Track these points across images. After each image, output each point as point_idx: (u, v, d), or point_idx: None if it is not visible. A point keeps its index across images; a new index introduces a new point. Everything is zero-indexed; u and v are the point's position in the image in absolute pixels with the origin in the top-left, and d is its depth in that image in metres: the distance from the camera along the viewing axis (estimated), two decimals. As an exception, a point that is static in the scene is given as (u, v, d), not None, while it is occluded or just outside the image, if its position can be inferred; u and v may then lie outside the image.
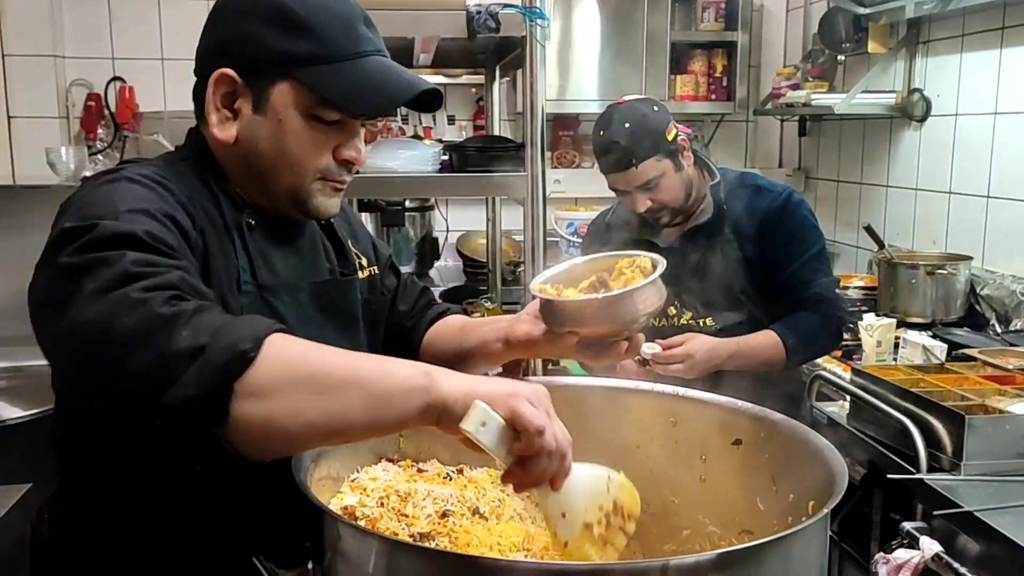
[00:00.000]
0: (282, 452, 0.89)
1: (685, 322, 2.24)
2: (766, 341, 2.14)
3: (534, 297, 1.20)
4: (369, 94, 1.06)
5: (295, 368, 0.83)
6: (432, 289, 1.52)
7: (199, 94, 1.12)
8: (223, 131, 1.09)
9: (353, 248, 1.31)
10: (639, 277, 1.15)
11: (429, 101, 1.12)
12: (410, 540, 0.99)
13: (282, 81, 1.06)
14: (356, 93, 1.06)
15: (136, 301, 0.82)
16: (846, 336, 2.75)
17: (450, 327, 1.37)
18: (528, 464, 0.85)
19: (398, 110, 3.77)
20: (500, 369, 1.33)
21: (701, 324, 2.23)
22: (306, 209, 1.14)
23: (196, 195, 1.08)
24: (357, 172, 1.17)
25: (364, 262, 1.33)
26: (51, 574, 1.20)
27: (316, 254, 1.24)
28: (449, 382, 0.85)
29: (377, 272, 1.36)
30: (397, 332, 1.38)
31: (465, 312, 1.88)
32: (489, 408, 0.83)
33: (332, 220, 1.29)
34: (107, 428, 0.96)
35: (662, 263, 1.16)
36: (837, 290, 2.28)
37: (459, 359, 1.30)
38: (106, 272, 0.85)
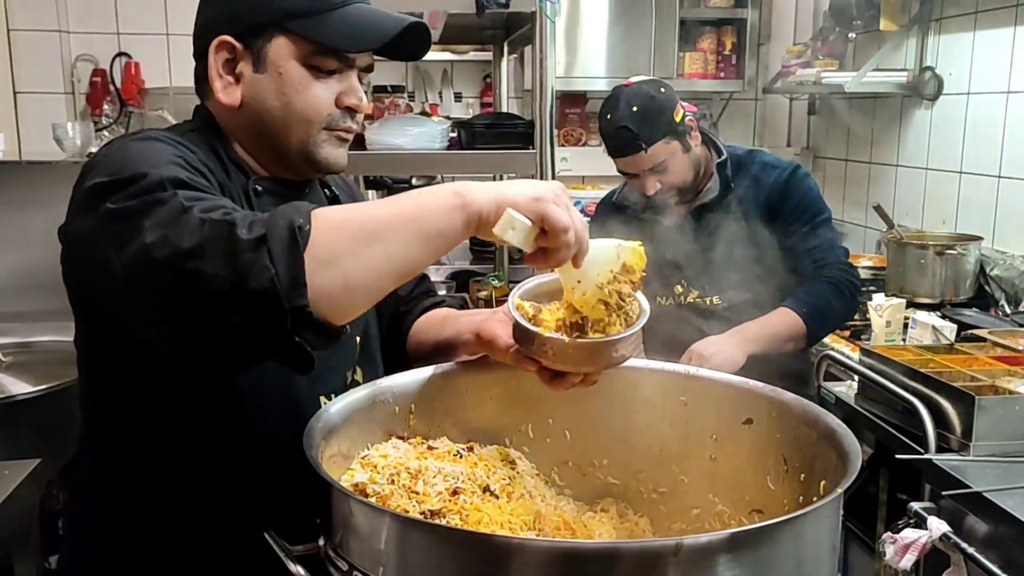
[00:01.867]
0: (364, 306, 0.96)
1: (692, 300, 2.23)
2: (780, 318, 2.10)
3: (513, 319, 1.10)
4: (360, 32, 1.11)
5: (348, 228, 0.90)
6: (439, 266, 1.53)
7: (200, 74, 1.16)
8: (228, 95, 1.12)
9: None
10: (619, 320, 1.05)
11: (418, 45, 1.16)
12: (420, 517, 0.99)
13: (278, 36, 1.10)
14: (349, 34, 1.10)
15: (196, 220, 0.88)
16: (855, 316, 2.75)
17: (435, 318, 1.39)
18: (551, 252, 0.95)
19: (405, 85, 3.76)
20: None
21: (708, 302, 2.22)
22: (315, 162, 1.16)
23: (208, 162, 1.10)
24: (363, 126, 1.19)
25: None
26: (65, 544, 1.21)
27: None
28: (479, 195, 0.93)
29: None
30: (391, 315, 1.39)
31: (465, 305, 1.87)
32: (518, 214, 0.93)
33: (337, 192, 1.31)
34: (141, 382, 1.04)
35: (646, 314, 1.07)
36: (848, 259, 2.23)
37: (436, 350, 1.32)
38: (164, 208, 0.90)
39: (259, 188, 1.15)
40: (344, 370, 1.22)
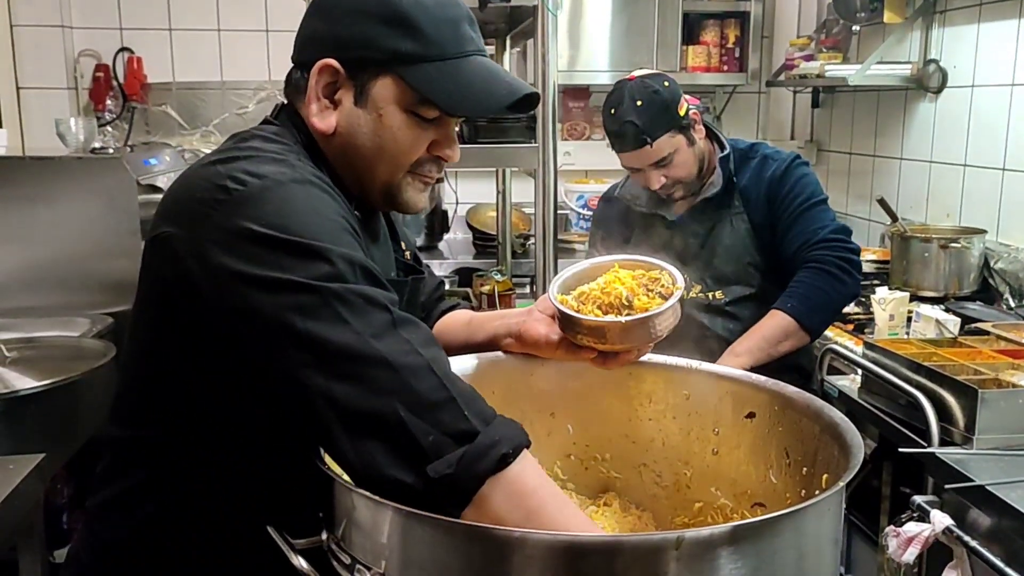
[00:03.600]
0: None
1: (694, 295, 2.23)
2: (771, 323, 2.06)
3: (559, 313, 1.19)
4: (472, 96, 1.06)
5: (523, 500, 0.89)
6: (443, 261, 1.53)
7: (295, 82, 1.12)
8: (323, 120, 1.08)
9: (397, 232, 1.32)
10: (657, 298, 1.17)
11: (526, 103, 1.11)
12: (422, 511, 0.99)
13: (385, 76, 1.06)
14: (459, 94, 1.05)
15: (422, 363, 0.90)
16: (858, 309, 2.75)
17: (457, 320, 1.37)
18: None
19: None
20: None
21: (710, 298, 2.22)
22: (396, 203, 1.14)
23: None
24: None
25: (403, 245, 1.33)
26: (73, 539, 1.21)
27: (388, 250, 1.25)
28: None
29: (409, 261, 1.36)
30: None
31: (466, 298, 1.85)
32: None
33: (391, 214, 1.28)
34: (189, 394, 1.02)
35: (681, 284, 1.18)
36: (847, 235, 2.14)
37: (465, 352, 1.31)
38: (373, 313, 0.91)
39: (358, 215, 1.10)
40: None
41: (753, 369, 1.25)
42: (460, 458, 0.86)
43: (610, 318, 1.15)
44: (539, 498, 0.90)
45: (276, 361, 0.90)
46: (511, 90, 1.08)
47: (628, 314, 1.14)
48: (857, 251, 2.15)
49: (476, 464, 0.87)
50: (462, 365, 1.24)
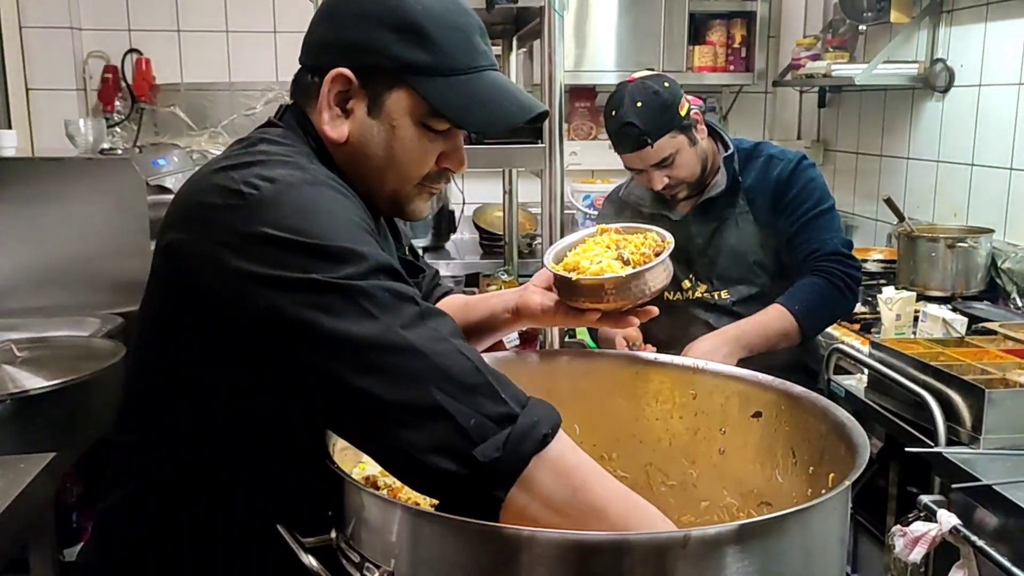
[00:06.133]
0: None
1: (700, 295, 2.23)
2: (773, 316, 2.08)
3: (554, 275, 1.26)
4: (484, 112, 1.06)
5: (568, 478, 0.89)
6: (449, 261, 1.54)
7: (303, 82, 1.11)
8: (334, 129, 1.08)
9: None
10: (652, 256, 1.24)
11: (536, 119, 1.12)
12: (431, 509, 1.00)
13: (399, 88, 1.06)
14: (472, 110, 1.06)
15: (453, 348, 0.90)
16: (864, 309, 2.75)
17: (454, 304, 1.39)
18: None
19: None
20: (517, 341, 1.34)
21: (715, 297, 2.22)
22: (402, 212, 1.15)
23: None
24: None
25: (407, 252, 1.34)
26: (85, 538, 1.21)
27: (391, 249, 1.25)
28: None
29: (406, 255, 1.37)
30: None
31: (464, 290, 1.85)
32: None
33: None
34: (194, 395, 1.02)
35: (671, 240, 1.25)
36: (849, 250, 2.18)
37: (465, 333, 1.31)
38: (402, 307, 0.91)
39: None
40: None
41: (759, 369, 1.25)
42: (506, 440, 0.86)
43: (607, 275, 1.20)
44: (581, 473, 0.90)
45: (304, 363, 0.90)
46: (523, 107, 1.08)
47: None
48: (859, 268, 2.21)
49: (521, 445, 0.86)
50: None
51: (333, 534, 0.94)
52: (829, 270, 2.12)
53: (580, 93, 4.04)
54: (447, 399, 0.87)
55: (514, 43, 3.06)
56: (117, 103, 3.77)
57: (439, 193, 3.85)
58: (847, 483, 0.90)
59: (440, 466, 0.86)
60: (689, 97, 2.16)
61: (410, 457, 0.87)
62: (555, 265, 1.26)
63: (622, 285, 1.19)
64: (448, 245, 3.97)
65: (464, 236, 4.06)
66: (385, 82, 1.06)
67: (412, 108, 1.06)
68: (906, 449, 1.79)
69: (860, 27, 3.48)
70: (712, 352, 1.98)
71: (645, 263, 1.21)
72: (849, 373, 2.24)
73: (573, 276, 1.22)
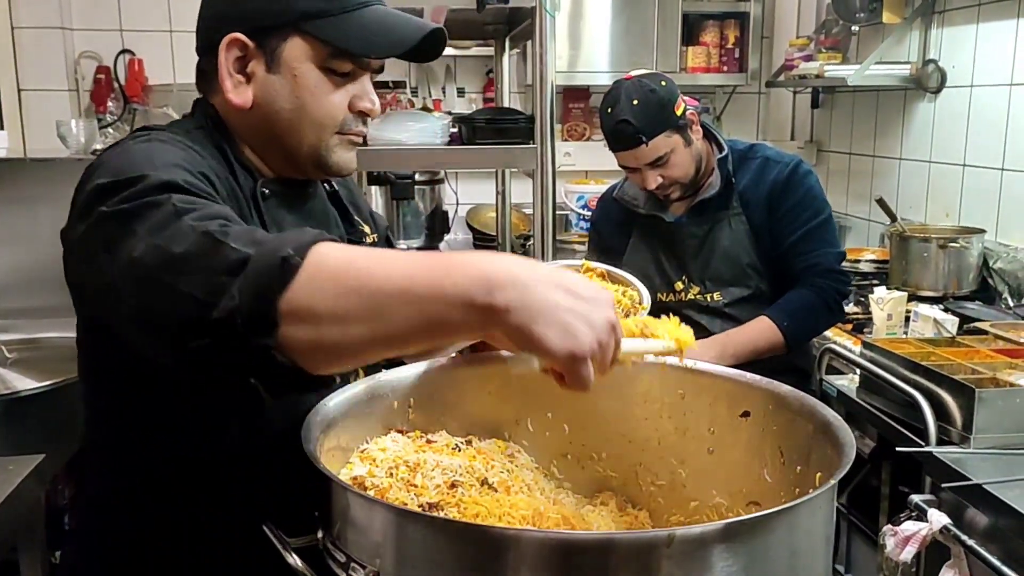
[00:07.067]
0: (337, 368, 0.89)
1: (692, 297, 2.23)
2: (761, 329, 2.12)
3: None
4: (382, 38, 1.08)
5: (343, 283, 0.80)
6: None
7: (203, 68, 1.14)
8: (239, 96, 1.09)
9: (356, 217, 1.32)
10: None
11: (433, 47, 1.14)
12: (419, 510, 0.99)
13: (293, 36, 1.07)
14: (371, 39, 1.08)
15: (188, 227, 0.84)
16: (856, 309, 2.75)
17: None
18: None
19: (407, 83, 3.76)
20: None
21: (708, 299, 2.22)
22: (326, 166, 1.15)
23: (214, 163, 1.09)
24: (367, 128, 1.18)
25: (367, 229, 1.33)
26: (71, 538, 1.21)
27: (328, 222, 1.25)
28: (513, 312, 0.78)
29: (378, 242, 1.36)
30: None
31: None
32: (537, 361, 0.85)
33: (337, 188, 1.30)
34: (138, 383, 1.02)
35: (646, 307, 1.25)
36: (842, 264, 2.23)
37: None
38: (156, 212, 0.87)
39: (266, 191, 1.13)
40: None
41: (749, 368, 1.25)
42: (241, 284, 0.79)
43: None
44: (354, 271, 0.81)
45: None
46: (417, 28, 1.10)
47: None
48: (850, 282, 2.30)
49: (259, 279, 0.79)
50: (456, 366, 1.25)
51: (319, 534, 0.94)
52: (824, 287, 2.16)
53: (574, 94, 4.04)
54: (172, 276, 0.82)
55: (507, 44, 3.05)
56: (109, 104, 3.76)
57: (435, 188, 3.87)
58: (832, 482, 0.90)
59: (199, 345, 0.81)
60: (685, 98, 2.16)
61: (184, 354, 0.83)
62: None
63: None
64: (442, 246, 3.96)
65: (458, 237, 4.06)
66: (279, 35, 1.07)
67: (311, 54, 1.08)
68: (897, 449, 1.80)
69: (853, 28, 3.50)
70: (698, 357, 1.98)
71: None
72: (841, 373, 2.25)
73: None
